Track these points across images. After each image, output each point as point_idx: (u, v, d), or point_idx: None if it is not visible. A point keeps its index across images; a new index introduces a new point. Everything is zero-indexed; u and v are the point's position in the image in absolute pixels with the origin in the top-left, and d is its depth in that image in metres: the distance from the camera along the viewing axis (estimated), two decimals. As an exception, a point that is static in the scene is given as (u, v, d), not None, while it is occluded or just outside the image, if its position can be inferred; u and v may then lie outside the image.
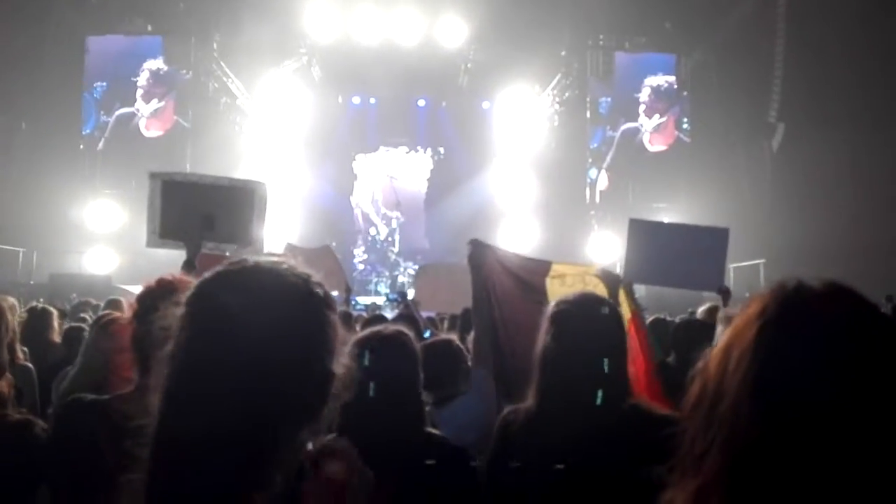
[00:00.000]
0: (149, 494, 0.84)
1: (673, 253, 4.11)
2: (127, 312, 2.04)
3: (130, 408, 0.95)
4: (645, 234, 4.27)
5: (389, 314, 7.80)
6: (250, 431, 0.84)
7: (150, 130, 17.00)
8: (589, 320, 1.90)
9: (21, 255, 15.54)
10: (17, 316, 4.59)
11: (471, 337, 3.48)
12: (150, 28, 17.12)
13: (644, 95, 17.53)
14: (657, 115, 17.60)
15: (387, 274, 17.92)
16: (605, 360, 1.84)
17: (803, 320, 0.79)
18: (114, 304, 5.09)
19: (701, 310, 4.87)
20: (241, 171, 17.11)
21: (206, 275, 0.92)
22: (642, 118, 17.55)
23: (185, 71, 16.92)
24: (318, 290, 0.95)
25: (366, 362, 1.96)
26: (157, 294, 1.94)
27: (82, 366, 3.00)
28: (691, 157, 17.48)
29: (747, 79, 16.39)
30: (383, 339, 2.03)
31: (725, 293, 4.05)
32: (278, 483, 0.88)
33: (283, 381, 0.87)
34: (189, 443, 0.83)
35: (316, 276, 0.96)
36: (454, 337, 3.37)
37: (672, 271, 4.19)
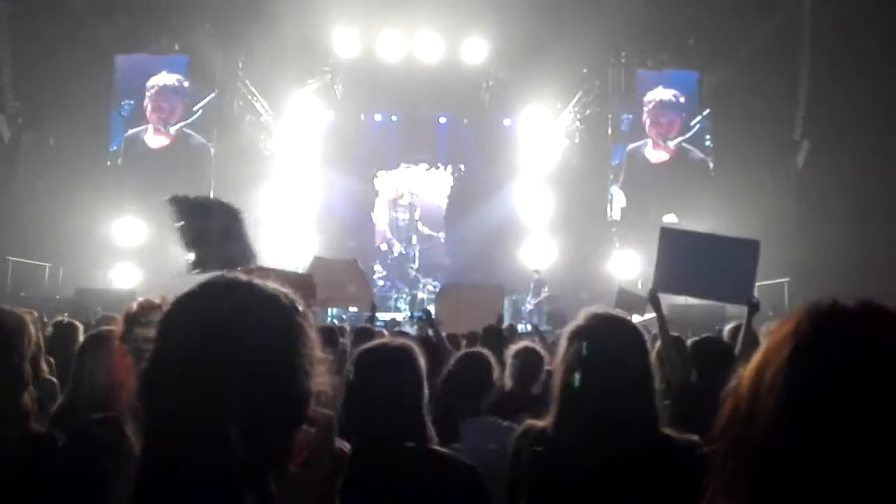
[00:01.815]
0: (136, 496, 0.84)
1: (703, 263, 4.05)
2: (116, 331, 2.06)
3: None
4: (676, 244, 4.23)
5: (411, 331, 7.79)
6: (219, 434, 0.84)
7: (155, 144, 17.20)
8: (609, 338, 1.85)
9: (48, 269, 15.81)
10: (43, 330, 4.67)
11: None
12: (176, 47, 17.42)
13: (648, 109, 17.48)
14: (673, 131, 17.53)
15: (406, 290, 17.94)
16: (629, 382, 1.80)
17: (838, 340, 0.77)
18: (107, 321, 5.12)
19: (727, 329, 4.80)
20: (264, 188, 17.32)
21: (185, 291, 0.94)
22: (653, 132, 17.48)
23: (186, 83, 17.14)
24: (296, 305, 0.96)
25: (368, 374, 1.96)
26: (138, 314, 1.96)
27: (75, 384, 2.95)
28: (714, 174, 17.35)
29: (771, 96, 16.27)
30: (386, 353, 2.02)
31: (754, 307, 3.94)
32: (260, 485, 0.89)
33: (256, 387, 0.87)
34: (167, 460, 0.84)
35: (291, 292, 0.97)
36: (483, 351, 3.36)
37: (701, 282, 4.13)
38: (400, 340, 2.15)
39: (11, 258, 14.65)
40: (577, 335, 1.85)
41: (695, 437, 1.71)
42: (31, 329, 2.14)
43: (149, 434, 0.86)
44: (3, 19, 16.06)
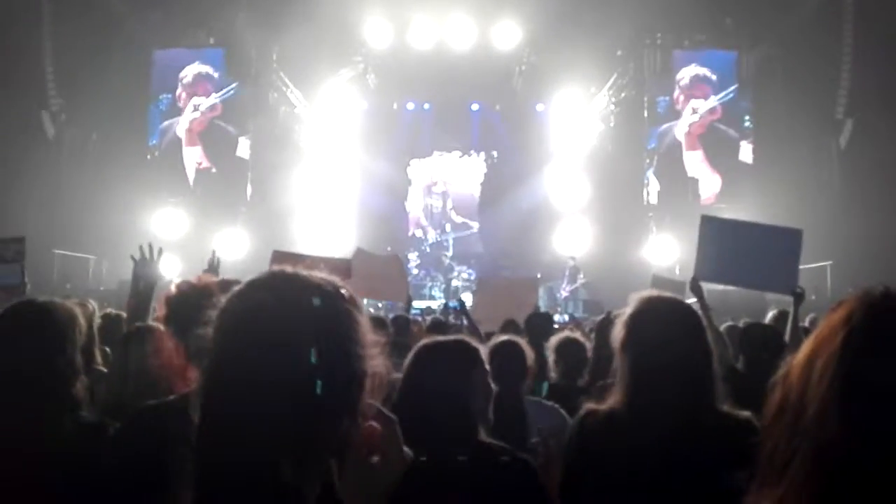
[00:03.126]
0: (199, 489, 0.87)
1: (745, 252, 4.00)
2: (159, 312, 2.11)
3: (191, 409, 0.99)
4: (717, 232, 4.18)
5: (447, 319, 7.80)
6: (290, 424, 0.88)
7: (190, 131, 17.44)
8: (669, 321, 1.89)
9: (92, 262, 16.22)
10: (94, 321, 4.80)
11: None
12: (211, 41, 17.65)
13: (680, 84, 17.09)
14: (702, 102, 17.12)
15: (441, 278, 17.98)
16: (690, 360, 1.84)
17: (892, 326, 0.75)
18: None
19: (770, 315, 4.73)
20: (299, 178, 17.51)
21: (241, 283, 0.98)
22: (689, 106, 17.10)
23: (216, 75, 17.33)
24: (345, 292, 0.99)
25: (422, 368, 1.98)
26: (192, 296, 2.01)
27: (118, 377, 3.02)
28: (754, 155, 16.97)
29: (813, 74, 15.83)
30: (445, 349, 2.04)
31: (799, 296, 3.89)
32: (321, 472, 0.91)
33: (315, 377, 0.90)
34: (231, 438, 0.87)
35: (340, 281, 1.01)
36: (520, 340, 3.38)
37: (744, 271, 4.08)
38: (455, 337, 2.18)
39: (57, 251, 15.06)
40: (635, 319, 1.89)
41: (748, 414, 1.75)
42: (82, 320, 2.20)
43: (212, 427, 0.88)
44: (46, 19, 16.45)
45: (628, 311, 1.96)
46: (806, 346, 0.81)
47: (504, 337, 3.56)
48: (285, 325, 0.90)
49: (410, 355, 2.09)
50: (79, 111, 16.94)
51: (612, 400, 1.93)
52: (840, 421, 0.74)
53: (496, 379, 3.10)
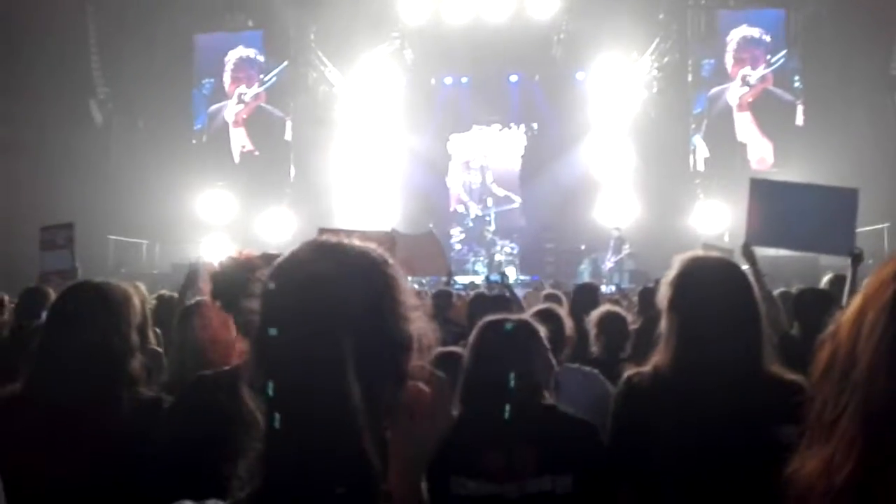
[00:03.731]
0: (267, 458, 0.89)
1: (798, 214, 3.86)
2: (204, 290, 2.17)
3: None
4: (768, 195, 4.05)
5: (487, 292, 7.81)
6: (352, 395, 0.89)
7: (236, 118, 17.69)
8: (717, 279, 1.89)
9: (144, 246, 16.71)
10: (147, 303, 4.96)
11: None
12: (250, 23, 17.81)
13: (733, 46, 16.56)
14: (761, 68, 16.59)
15: (483, 253, 17.96)
16: (738, 318, 1.83)
17: None
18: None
19: (825, 279, 4.60)
20: (340, 156, 17.64)
21: (284, 255, 1.00)
22: (745, 70, 16.57)
23: (261, 57, 17.48)
24: (385, 258, 1.01)
25: (491, 343, 2.05)
26: (236, 270, 2.06)
27: (177, 363, 3.12)
28: (805, 116, 16.40)
29: (865, 29, 15.14)
30: (507, 330, 2.10)
31: (857, 258, 3.73)
32: (381, 436, 0.94)
33: (364, 341, 0.92)
34: (293, 423, 0.88)
35: (378, 249, 1.02)
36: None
37: (798, 234, 3.95)
38: (518, 317, 2.24)
39: (112, 237, 15.54)
40: (682, 278, 1.89)
41: (797, 376, 1.73)
42: (136, 300, 2.28)
43: (271, 399, 0.90)
44: (90, 8, 16.81)
45: (674, 271, 1.96)
46: (855, 302, 0.79)
47: (543, 305, 3.57)
48: (331, 295, 0.91)
49: (476, 331, 2.14)
50: (125, 98, 17.34)
51: (657, 360, 1.93)
52: (890, 375, 0.72)
53: None
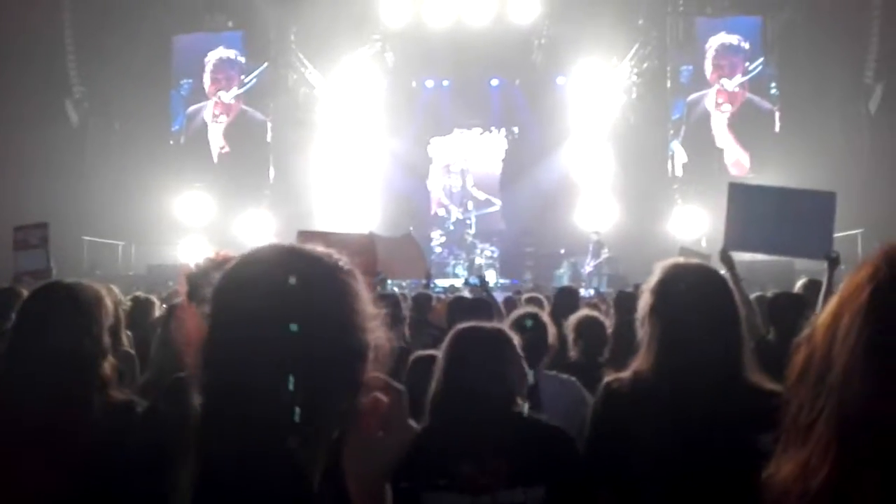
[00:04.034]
0: (200, 457, 0.86)
1: (776, 218, 3.88)
2: (180, 291, 2.13)
3: None
4: (745, 200, 4.06)
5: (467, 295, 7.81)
6: (289, 401, 0.86)
7: (216, 120, 17.55)
8: (697, 285, 1.90)
9: (120, 248, 16.50)
10: (121, 305, 4.89)
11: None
12: (230, 24, 17.67)
13: (711, 54, 16.76)
14: (738, 76, 16.80)
15: (463, 256, 17.99)
16: (719, 323, 1.84)
17: None
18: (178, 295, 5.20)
19: (799, 283, 4.64)
20: (320, 160, 17.56)
21: (238, 257, 0.97)
22: (723, 80, 16.78)
23: (242, 59, 17.38)
24: (343, 265, 0.97)
25: (464, 351, 2.04)
26: (209, 271, 2.02)
27: (156, 365, 3.07)
28: (781, 123, 16.63)
29: (840, 38, 15.40)
30: (480, 338, 2.08)
31: (834, 261, 3.76)
32: (326, 448, 0.92)
33: (314, 347, 0.89)
34: (227, 425, 0.86)
35: (338, 254, 0.99)
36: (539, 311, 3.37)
37: (776, 238, 3.97)
38: (492, 326, 2.22)
39: (87, 238, 15.33)
40: (663, 284, 1.89)
41: (778, 386, 1.74)
42: (108, 301, 2.23)
43: (209, 399, 0.88)
44: (66, 6, 16.58)
45: (655, 277, 1.97)
46: (830, 305, 0.79)
47: (528, 309, 3.54)
48: (280, 299, 0.89)
49: (449, 339, 2.12)
50: (101, 98, 17.13)
51: (637, 365, 1.93)
52: (864, 378, 0.72)
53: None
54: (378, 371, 0.96)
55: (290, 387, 0.85)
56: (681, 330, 1.86)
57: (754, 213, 3.93)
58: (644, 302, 1.98)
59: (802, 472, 0.77)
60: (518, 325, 2.99)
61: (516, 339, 2.14)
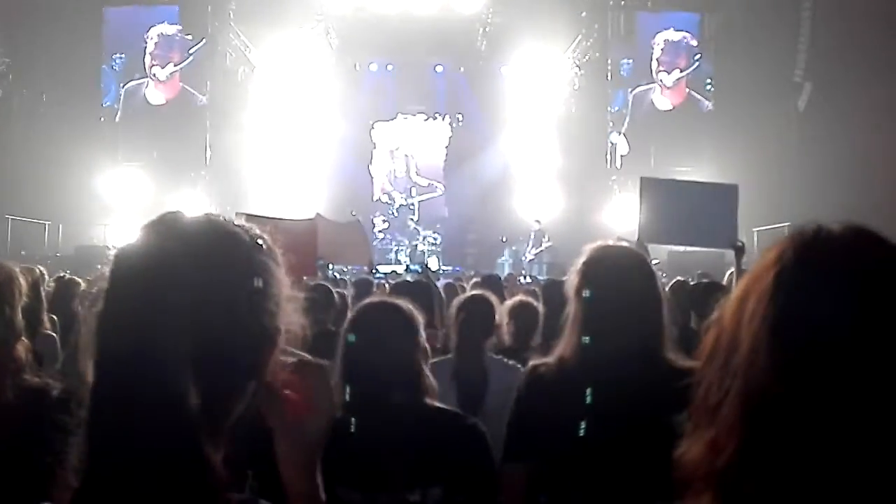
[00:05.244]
0: (92, 465, 0.81)
1: (685, 211, 4.06)
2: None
3: None
4: (658, 193, 4.23)
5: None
6: (184, 388, 0.81)
7: (155, 98, 17.01)
8: (621, 267, 1.94)
9: (47, 227, 15.79)
10: (44, 286, 4.68)
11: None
12: (165, -2, 17.09)
13: (658, 51, 17.14)
14: (677, 71, 17.22)
15: (406, 242, 17.95)
16: (642, 305, 1.88)
17: (822, 263, 0.76)
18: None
19: (728, 274, 4.82)
20: (258, 141, 17.18)
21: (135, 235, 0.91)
22: (661, 74, 17.18)
23: (189, 36, 16.85)
24: (260, 242, 0.92)
25: (356, 334, 1.98)
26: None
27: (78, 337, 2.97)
28: (715, 118, 17.13)
29: (773, 37, 15.94)
30: (379, 309, 2.04)
31: (739, 250, 3.96)
32: (226, 431, 0.88)
33: (217, 334, 0.84)
34: (123, 405, 0.80)
35: (257, 230, 0.94)
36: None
37: (685, 229, 4.15)
38: (391, 300, 2.17)
39: (10, 216, 14.62)
40: (589, 265, 1.93)
41: (694, 363, 1.78)
42: (22, 281, 2.12)
43: (98, 376, 0.83)
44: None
45: (582, 258, 2.00)
46: (738, 287, 0.81)
47: (475, 292, 3.62)
48: (173, 281, 0.83)
49: (353, 312, 2.08)
50: (27, 71, 16.31)
51: (561, 349, 1.96)
52: (768, 361, 0.73)
53: (461, 332, 3.16)
54: (290, 353, 0.93)
55: (182, 377, 0.81)
56: (602, 311, 1.89)
57: (664, 207, 4.07)
58: (570, 281, 2.00)
59: (710, 451, 0.79)
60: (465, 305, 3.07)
61: (420, 318, 2.06)
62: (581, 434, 1.80)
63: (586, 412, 1.79)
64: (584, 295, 1.92)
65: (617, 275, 1.92)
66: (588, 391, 1.82)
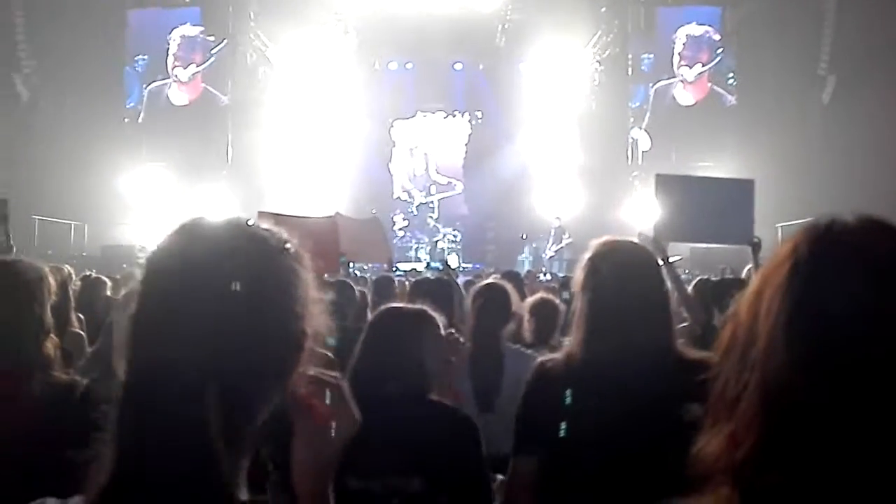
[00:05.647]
0: (118, 462, 0.83)
1: (702, 208, 4.01)
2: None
3: None
4: (673, 190, 4.18)
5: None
6: (205, 393, 0.82)
7: (178, 99, 17.19)
8: (625, 262, 1.93)
9: (73, 228, 16.05)
10: (71, 285, 4.76)
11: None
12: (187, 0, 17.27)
13: (679, 45, 16.97)
14: (699, 66, 17.04)
15: (426, 240, 17.98)
16: (647, 300, 1.87)
17: (837, 256, 0.76)
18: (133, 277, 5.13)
19: (746, 269, 4.78)
20: (279, 140, 17.30)
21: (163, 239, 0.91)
22: (683, 69, 17.01)
23: (212, 37, 17.00)
24: (288, 246, 0.93)
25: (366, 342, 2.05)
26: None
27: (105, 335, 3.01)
28: (738, 113, 16.93)
29: (797, 30, 15.72)
30: (390, 314, 2.10)
31: (756, 246, 3.92)
32: (250, 438, 0.88)
33: (244, 339, 0.85)
34: (146, 406, 0.82)
35: (285, 235, 0.94)
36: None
37: (702, 227, 4.11)
38: (413, 307, 2.23)
39: (37, 217, 14.87)
40: (594, 260, 1.93)
41: (705, 353, 1.78)
42: (51, 280, 2.17)
43: (130, 378, 0.84)
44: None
45: (588, 254, 2.00)
46: (754, 281, 0.81)
47: (490, 280, 3.66)
48: (208, 276, 0.84)
49: (371, 319, 2.15)
50: (53, 74, 16.58)
51: (569, 344, 1.97)
52: (785, 354, 0.74)
53: (478, 319, 3.20)
54: (317, 359, 0.93)
55: (215, 366, 0.82)
56: (608, 307, 1.89)
57: (679, 204, 4.03)
58: (577, 277, 2.01)
59: (729, 444, 0.79)
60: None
61: (440, 320, 2.14)
62: (586, 429, 1.80)
63: (595, 410, 1.79)
64: (588, 290, 1.93)
65: (622, 269, 1.92)
66: (593, 387, 1.82)
